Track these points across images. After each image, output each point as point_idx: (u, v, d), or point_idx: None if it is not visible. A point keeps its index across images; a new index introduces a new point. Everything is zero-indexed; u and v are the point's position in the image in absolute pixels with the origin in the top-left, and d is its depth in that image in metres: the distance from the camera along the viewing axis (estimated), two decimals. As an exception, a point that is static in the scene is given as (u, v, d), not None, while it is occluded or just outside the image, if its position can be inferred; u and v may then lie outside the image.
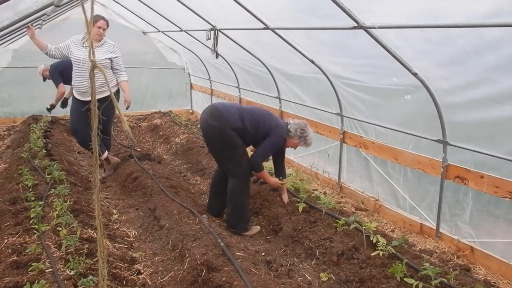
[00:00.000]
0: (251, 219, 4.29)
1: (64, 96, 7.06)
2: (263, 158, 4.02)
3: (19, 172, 4.67)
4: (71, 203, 3.86)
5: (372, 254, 3.24)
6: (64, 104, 7.15)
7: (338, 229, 3.65)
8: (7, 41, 6.28)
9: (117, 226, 4.11)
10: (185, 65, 9.66)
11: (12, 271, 2.78)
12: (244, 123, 3.85)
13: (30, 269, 2.78)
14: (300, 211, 4.03)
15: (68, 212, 3.63)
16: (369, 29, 3.30)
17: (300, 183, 4.84)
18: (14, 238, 3.23)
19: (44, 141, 6.15)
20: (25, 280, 2.63)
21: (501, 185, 3.25)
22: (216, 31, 5.47)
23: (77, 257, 2.93)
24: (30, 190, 4.17)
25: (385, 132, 4.40)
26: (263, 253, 3.60)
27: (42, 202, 3.85)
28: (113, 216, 4.33)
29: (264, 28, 4.51)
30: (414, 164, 4.07)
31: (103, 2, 7.90)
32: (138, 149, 6.61)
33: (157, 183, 4.78)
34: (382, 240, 3.33)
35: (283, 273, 3.29)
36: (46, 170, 4.78)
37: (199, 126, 4.11)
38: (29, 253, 2.96)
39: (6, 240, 3.19)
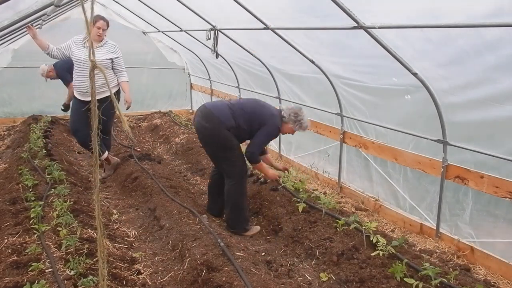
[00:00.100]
0: (251, 219, 4.29)
1: (64, 102, 7.07)
2: (258, 149, 3.91)
3: (19, 172, 4.67)
4: (71, 203, 3.86)
5: (372, 254, 3.24)
6: (66, 108, 7.12)
7: (338, 229, 3.64)
8: (7, 41, 6.28)
9: (117, 226, 4.11)
10: (185, 65, 9.66)
11: (12, 271, 2.78)
12: (237, 121, 3.80)
13: (30, 269, 2.78)
14: (300, 211, 4.03)
15: (68, 212, 3.63)
16: (369, 29, 3.30)
17: (300, 183, 4.84)
18: (14, 238, 3.23)
19: (44, 141, 6.15)
20: (25, 280, 2.63)
21: (501, 185, 3.25)
22: (216, 31, 5.47)
23: (77, 257, 2.93)
24: (30, 190, 4.17)
25: (385, 132, 4.40)
26: (263, 253, 3.60)
27: (42, 202, 3.85)
28: (113, 216, 4.33)
29: (264, 28, 4.51)
30: (414, 164, 4.07)
31: (103, 2, 7.89)
32: (138, 149, 6.61)
33: (157, 183, 4.78)
34: (382, 240, 3.33)
35: (283, 273, 3.29)
36: (46, 170, 4.78)
37: (195, 128, 4.07)
38: (29, 253, 2.95)
39: (6, 240, 3.19)
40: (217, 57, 5.67)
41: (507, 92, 3.02)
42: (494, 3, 2.54)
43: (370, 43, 3.43)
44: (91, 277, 2.72)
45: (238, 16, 4.60)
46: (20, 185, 4.32)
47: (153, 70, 9.44)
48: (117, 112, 1.41)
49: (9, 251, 3.03)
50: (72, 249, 3.04)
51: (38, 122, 7.39)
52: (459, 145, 3.55)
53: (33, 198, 3.93)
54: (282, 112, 3.97)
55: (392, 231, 4.19)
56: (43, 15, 5.08)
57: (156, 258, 3.48)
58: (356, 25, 3.29)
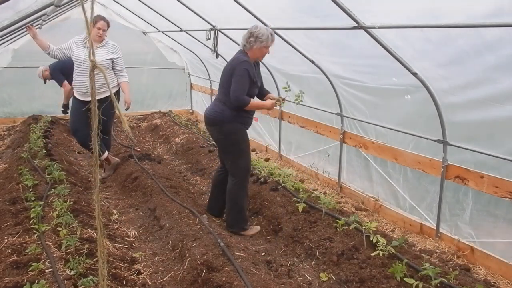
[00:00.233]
0: (251, 219, 4.29)
1: (63, 103, 7.06)
2: (240, 91, 3.68)
3: (19, 172, 4.67)
4: (71, 203, 3.86)
5: (372, 254, 3.24)
6: (66, 108, 7.08)
7: (338, 229, 3.64)
8: (7, 41, 6.28)
9: (117, 226, 4.11)
10: (185, 65, 9.66)
11: (12, 271, 2.78)
12: (222, 99, 3.84)
13: (30, 269, 2.78)
14: (300, 211, 4.03)
15: (68, 212, 3.63)
16: (369, 29, 3.30)
17: (300, 183, 4.84)
18: (14, 238, 3.23)
19: (44, 141, 6.15)
20: (25, 280, 2.63)
21: (501, 185, 3.25)
22: (216, 31, 5.47)
23: (77, 257, 2.93)
24: (30, 190, 4.17)
25: (385, 132, 4.40)
26: (263, 253, 3.60)
27: (42, 202, 3.85)
28: (113, 216, 4.33)
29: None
30: (414, 164, 4.07)
31: (103, 2, 7.89)
32: (138, 149, 6.61)
33: (157, 183, 4.79)
34: (382, 240, 3.33)
35: (283, 273, 3.29)
36: (46, 170, 4.78)
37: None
38: (29, 253, 2.95)
39: (6, 240, 3.19)
40: (217, 57, 5.68)
41: (507, 92, 3.02)
42: (494, 3, 2.54)
43: (370, 43, 3.43)
44: (91, 277, 2.72)
45: (238, 16, 4.60)
46: (20, 185, 4.32)
47: (153, 70, 9.44)
48: (117, 112, 1.41)
49: (9, 251, 3.03)
50: (72, 249, 3.04)
51: (38, 122, 7.40)
52: (459, 145, 3.55)
53: (33, 198, 3.93)
54: (242, 46, 3.81)
55: (392, 231, 4.19)
56: (43, 15, 5.08)
57: (156, 258, 3.48)
58: (356, 25, 3.29)
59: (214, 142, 4.20)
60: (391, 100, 4.33)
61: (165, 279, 3.15)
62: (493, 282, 3.18)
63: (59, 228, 3.36)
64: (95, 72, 1.35)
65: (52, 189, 4.21)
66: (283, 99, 4.03)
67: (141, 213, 4.42)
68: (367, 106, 4.56)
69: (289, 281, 3.08)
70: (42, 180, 4.51)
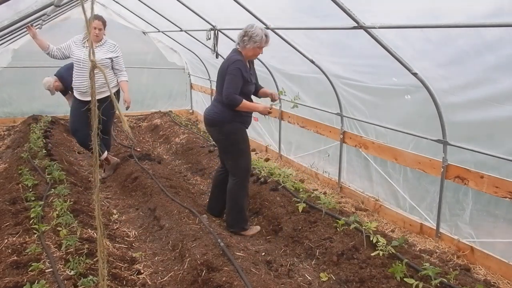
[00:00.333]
0: (251, 219, 4.29)
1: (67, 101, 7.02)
2: (232, 90, 3.68)
3: (19, 172, 4.67)
4: (71, 203, 3.86)
5: (372, 254, 3.24)
6: None
7: (338, 229, 3.64)
8: (7, 41, 6.28)
9: (117, 226, 4.11)
10: (185, 65, 9.66)
11: (12, 271, 2.78)
12: (219, 97, 3.86)
13: (30, 269, 2.78)
14: (300, 211, 4.03)
15: (68, 212, 3.63)
16: (369, 29, 3.30)
17: (300, 183, 4.84)
18: (14, 238, 3.23)
19: (44, 141, 6.15)
20: (25, 280, 2.63)
21: (501, 185, 3.25)
22: (216, 31, 5.47)
23: (77, 257, 2.93)
24: (30, 190, 4.17)
25: (385, 132, 4.40)
26: (263, 253, 3.60)
27: (42, 202, 3.85)
28: (113, 216, 4.33)
29: (264, 28, 4.50)
30: (414, 164, 4.07)
31: (103, 2, 7.89)
32: (138, 149, 6.61)
33: (157, 183, 4.79)
34: (382, 240, 3.33)
35: (283, 273, 3.28)
36: (46, 170, 4.78)
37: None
38: (29, 253, 2.95)
39: (6, 240, 3.19)
40: (217, 57, 5.68)
41: (507, 92, 3.02)
42: (494, 3, 2.54)
43: (370, 43, 3.43)
44: (91, 277, 2.72)
45: (238, 16, 4.60)
46: (20, 185, 4.32)
47: (153, 70, 9.44)
48: (117, 112, 1.41)
49: (9, 251, 3.03)
50: (72, 249, 3.04)
51: (38, 122, 7.40)
52: (459, 145, 3.55)
53: (33, 198, 3.93)
54: (236, 45, 3.83)
55: (392, 231, 4.19)
56: (43, 15, 5.08)
57: (156, 258, 3.48)
58: (356, 25, 3.29)
59: (214, 142, 4.17)
60: (391, 100, 4.33)
61: (165, 279, 3.15)
62: (493, 282, 3.18)
63: (59, 228, 3.36)
64: (95, 71, 1.35)
65: (52, 189, 4.21)
66: (279, 95, 3.98)
67: (141, 213, 4.42)
68: (367, 106, 4.56)
69: (289, 281, 3.08)
70: (42, 180, 4.51)
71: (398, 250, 3.30)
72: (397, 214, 4.33)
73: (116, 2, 7.33)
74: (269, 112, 3.86)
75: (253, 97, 4.05)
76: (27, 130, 6.92)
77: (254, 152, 6.93)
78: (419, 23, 3.01)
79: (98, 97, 4.48)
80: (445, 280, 2.85)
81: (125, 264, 3.25)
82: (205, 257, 3.12)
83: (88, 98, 4.68)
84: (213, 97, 8.65)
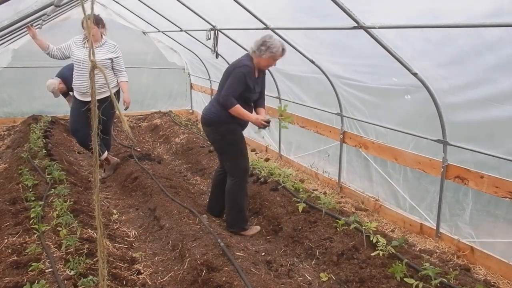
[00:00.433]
0: (251, 219, 4.29)
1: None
2: (230, 92, 3.67)
3: (19, 172, 4.67)
4: (71, 203, 3.86)
5: (372, 254, 3.24)
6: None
7: (338, 229, 3.64)
8: (7, 41, 6.28)
9: (117, 226, 4.11)
10: (185, 65, 9.66)
11: (12, 271, 2.78)
12: (218, 102, 3.83)
13: (30, 269, 2.78)
14: (300, 211, 4.03)
15: (68, 212, 3.63)
16: (369, 29, 3.30)
17: (300, 183, 4.84)
18: (14, 238, 3.23)
19: (44, 141, 6.15)
20: (25, 280, 2.63)
21: (501, 185, 3.25)
22: (216, 31, 5.47)
23: (77, 257, 2.93)
24: (30, 190, 4.17)
25: (385, 132, 4.40)
26: (263, 253, 3.60)
27: (42, 202, 3.85)
28: (113, 216, 4.33)
29: (264, 28, 4.51)
30: (414, 164, 4.07)
31: (103, 2, 7.89)
32: (138, 149, 6.61)
33: (157, 183, 4.79)
34: (382, 240, 3.33)
35: (283, 273, 3.29)
36: (46, 170, 4.78)
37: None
38: (29, 253, 2.95)
39: (6, 240, 3.19)
40: (217, 57, 5.67)
41: (507, 92, 3.02)
42: (494, 3, 2.54)
43: (370, 43, 3.43)
44: (91, 277, 2.72)
45: (238, 16, 4.60)
46: (20, 185, 4.32)
47: (153, 70, 9.44)
48: (117, 112, 1.41)
49: (9, 251, 3.03)
50: (72, 249, 3.04)
51: (38, 122, 7.39)
52: (459, 145, 3.55)
53: (33, 198, 3.93)
54: (251, 51, 3.82)
55: (392, 231, 4.19)
56: (43, 15, 5.08)
57: (156, 258, 3.48)
58: (356, 25, 3.28)
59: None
60: (391, 100, 4.33)
61: (165, 279, 3.15)
62: (493, 282, 3.18)
63: (59, 228, 3.36)
64: (95, 72, 1.35)
65: (52, 189, 4.21)
66: (268, 121, 3.81)
67: (141, 213, 4.42)
68: (367, 106, 4.56)
69: (289, 281, 3.08)
70: (42, 180, 4.51)
71: (398, 250, 3.30)
72: (397, 214, 4.33)
73: (116, 2, 7.33)
74: (264, 126, 3.78)
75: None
76: (27, 130, 6.92)
77: (254, 152, 6.93)
78: (419, 23, 3.01)
79: (98, 97, 4.48)
80: (445, 280, 2.85)
81: (125, 264, 3.25)
82: (205, 257, 3.12)
83: (88, 99, 4.68)
84: (212, 96, 8.68)
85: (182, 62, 9.58)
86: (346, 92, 4.74)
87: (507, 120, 3.13)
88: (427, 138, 3.85)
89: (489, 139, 3.41)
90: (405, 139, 4.15)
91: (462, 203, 3.68)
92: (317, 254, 3.52)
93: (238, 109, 3.70)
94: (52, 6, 4.15)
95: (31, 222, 3.44)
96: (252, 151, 6.94)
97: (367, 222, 3.63)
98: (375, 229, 3.56)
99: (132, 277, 3.10)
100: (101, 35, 4.92)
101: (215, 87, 8.58)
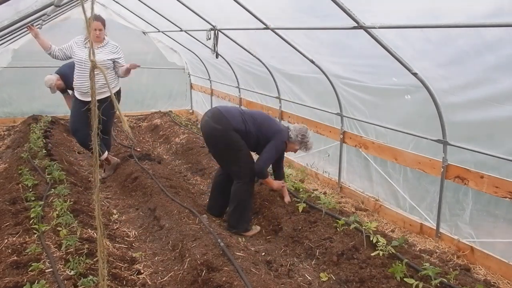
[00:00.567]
0: (250, 219, 4.29)
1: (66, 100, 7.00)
2: (267, 164, 4.05)
3: (19, 172, 4.67)
4: (71, 203, 3.86)
5: (372, 254, 3.24)
6: None
7: (338, 229, 3.64)
8: (7, 41, 6.28)
9: (117, 226, 4.11)
10: (185, 65, 9.66)
11: (12, 271, 2.78)
12: (247, 125, 3.88)
13: (30, 269, 2.78)
14: (300, 211, 4.03)
15: (68, 212, 3.63)
16: (369, 29, 3.30)
17: (300, 183, 4.84)
18: (14, 238, 3.23)
19: (44, 141, 6.15)
20: (25, 280, 2.63)
21: (501, 185, 3.25)
22: (216, 31, 5.47)
23: (77, 257, 2.93)
24: (30, 190, 4.17)
25: (385, 132, 4.40)
26: (263, 253, 3.60)
27: (42, 202, 3.85)
28: (113, 216, 4.33)
29: (264, 28, 4.51)
30: (414, 164, 4.07)
31: (103, 2, 7.89)
32: (138, 149, 6.61)
33: (157, 183, 4.78)
34: (382, 240, 3.33)
35: (283, 273, 3.29)
36: (46, 170, 4.78)
37: (201, 129, 4.09)
38: (29, 253, 2.96)
39: (6, 240, 3.19)
40: (217, 57, 5.67)
41: (507, 92, 3.02)
42: (494, 3, 2.54)
43: (370, 43, 3.43)
44: (91, 277, 2.72)
45: (238, 16, 4.60)
46: (20, 185, 4.32)
47: (153, 70, 9.43)
48: (117, 112, 1.41)
49: (9, 251, 3.03)
50: (72, 249, 3.04)
51: (38, 122, 7.39)
52: (459, 145, 3.55)
53: (33, 198, 3.93)
54: (290, 133, 4.07)
55: (392, 231, 4.19)
56: (43, 15, 5.08)
57: (156, 258, 3.48)
58: (356, 25, 3.28)
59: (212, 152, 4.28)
60: (391, 100, 4.33)
61: (165, 279, 3.15)
62: (493, 282, 3.18)
63: (59, 228, 3.36)
64: (95, 72, 1.35)
65: (52, 189, 4.21)
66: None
67: (141, 213, 4.42)
68: (367, 106, 4.56)
69: (289, 281, 3.09)
70: (42, 180, 4.51)
71: (398, 250, 3.30)
72: (397, 214, 4.33)
73: (116, 2, 7.33)
74: (283, 187, 4.28)
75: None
76: (27, 130, 6.92)
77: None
78: (419, 23, 3.01)
79: (99, 97, 4.48)
80: (445, 280, 2.85)
81: (125, 264, 3.25)
82: (205, 257, 3.12)
83: (89, 98, 4.65)
84: (213, 97, 8.66)
85: (182, 62, 9.58)
86: (346, 92, 4.74)
87: (507, 120, 3.13)
88: (427, 138, 3.85)
89: (489, 139, 3.41)
90: (405, 139, 4.15)
91: (462, 203, 3.68)
92: (317, 254, 3.52)
93: (268, 180, 4.16)
94: (52, 6, 4.15)
95: (31, 222, 3.44)
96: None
97: (367, 222, 3.63)
98: (375, 229, 3.56)
99: (132, 277, 3.10)
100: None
101: (215, 87, 8.64)
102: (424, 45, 3.32)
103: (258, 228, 4.13)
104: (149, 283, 3.10)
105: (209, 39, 5.55)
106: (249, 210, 4.07)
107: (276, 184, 4.24)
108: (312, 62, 4.73)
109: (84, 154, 6.44)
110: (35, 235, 3.25)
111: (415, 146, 4.06)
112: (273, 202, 4.31)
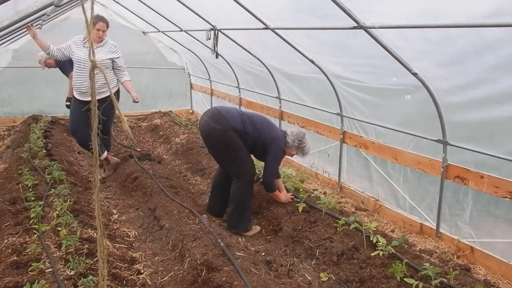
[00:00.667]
0: (251, 219, 4.29)
1: (67, 96, 6.99)
2: (273, 176, 4.07)
3: (19, 172, 4.67)
4: (71, 203, 3.86)
5: (372, 254, 3.24)
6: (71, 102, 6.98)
7: (338, 229, 3.64)
8: (7, 41, 6.28)
9: (117, 226, 4.11)
10: (185, 65, 9.66)
11: (12, 271, 2.78)
12: (246, 126, 3.88)
13: (30, 269, 2.78)
14: (300, 211, 4.03)
15: (68, 212, 3.63)
16: (369, 29, 3.30)
17: (300, 183, 4.84)
18: (14, 238, 3.23)
19: (44, 141, 6.15)
20: (25, 280, 2.63)
21: (501, 185, 3.25)
22: (216, 31, 5.47)
23: (77, 257, 2.93)
24: (30, 190, 4.17)
25: (385, 132, 4.40)
26: (263, 253, 3.60)
27: (42, 202, 3.85)
28: (113, 216, 4.33)
29: (264, 28, 4.51)
30: (414, 164, 4.07)
31: (103, 2, 7.89)
32: (138, 149, 6.61)
33: (157, 183, 4.78)
34: (382, 240, 3.33)
35: (283, 273, 3.29)
36: (46, 170, 4.78)
37: (200, 129, 4.08)
38: (29, 253, 2.95)
39: (6, 240, 3.19)
40: (217, 57, 5.67)
41: (507, 92, 3.02)
42: (494, 3, 2.54)
43: (370, 43, 3.43)
44: (91, 277, 2.72)
45: (238, 16, 4.60)
46: (20, 185, 4.32)
47: (153, 70, 9.44)
48: (117, 112, 1.41)
49: (9, 251, 3.03)
50: (72, 249, 3.04)
51: (38, 122, 7.39)
52: (459, 145, 3.55)
53: (33, 198, 3.93)
54: (287, 137, 4.07)
55: (392, 231, 4.19)
56: (43, 15, 5.08)
57: (156, 258, 3.48)
58: (356, 25, 3.28)
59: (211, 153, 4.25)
60: (391, 100, 4.33)
61: (165, 279, 3.15)
62: (493, 282, 3.18)
63: (59, 228, 3.36)
64: (95, 72, 1.35)
65: (52, 189, 4.21)
66: (293, 196, 4.36)
67: (141, 213, 4.42)
68: (367, 106, 4.56)
69: (289, 281, 3.09)
70: (42, 180, 4.51)
71: (398, 250, 3.30)
72: (397, 214, 4.33)
73: (116, 2, 7.33)
74: (291, 200, 4.27)
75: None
76: (27, 130, 6.92)
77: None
78: (419, 23, 3.01)
79: (98, 97, 4.48)
80: (445, 280, 2.85)
81: (125, 264, 3.25)
82: (205, 257, 3.12)
83: (88, 98, 4.68)
84: (213, 97, 8.66)
85: (182, 62, 9.58)
86: (346, 92, 4.74)
87: (507, 120, 3.13)
88: (427, 138, 3.85)
89: (489, 139, 3.41)
90: (405, 139, 4.15)
91: (462, 203, 3.68)
92: (317, 254, 3.52)
93: (276, 194, 4.17)
94: (52, 6, 4.15)
95: (31, 222, 3.44)
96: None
97: (367, 222, 3.63)
98: (375, 229, 3.56)
99: (132, 277, 3.10)
100: None
101: (215, 87, 8.64)
102: (424, 45, 3.32)
103: (258, 228, 4.13)
104: (149, 283, 3.10)
105: (209, 39, 5.55)
106: (249, 210, 4.07)
107: (284, 197, 4.24)
108: (312, 62, 4.73)
109: (84, 154, 6.44)
110: (35, 235, 3.25)
111: (415, 146, 4.06)
112: (273, 202, 4.31)
